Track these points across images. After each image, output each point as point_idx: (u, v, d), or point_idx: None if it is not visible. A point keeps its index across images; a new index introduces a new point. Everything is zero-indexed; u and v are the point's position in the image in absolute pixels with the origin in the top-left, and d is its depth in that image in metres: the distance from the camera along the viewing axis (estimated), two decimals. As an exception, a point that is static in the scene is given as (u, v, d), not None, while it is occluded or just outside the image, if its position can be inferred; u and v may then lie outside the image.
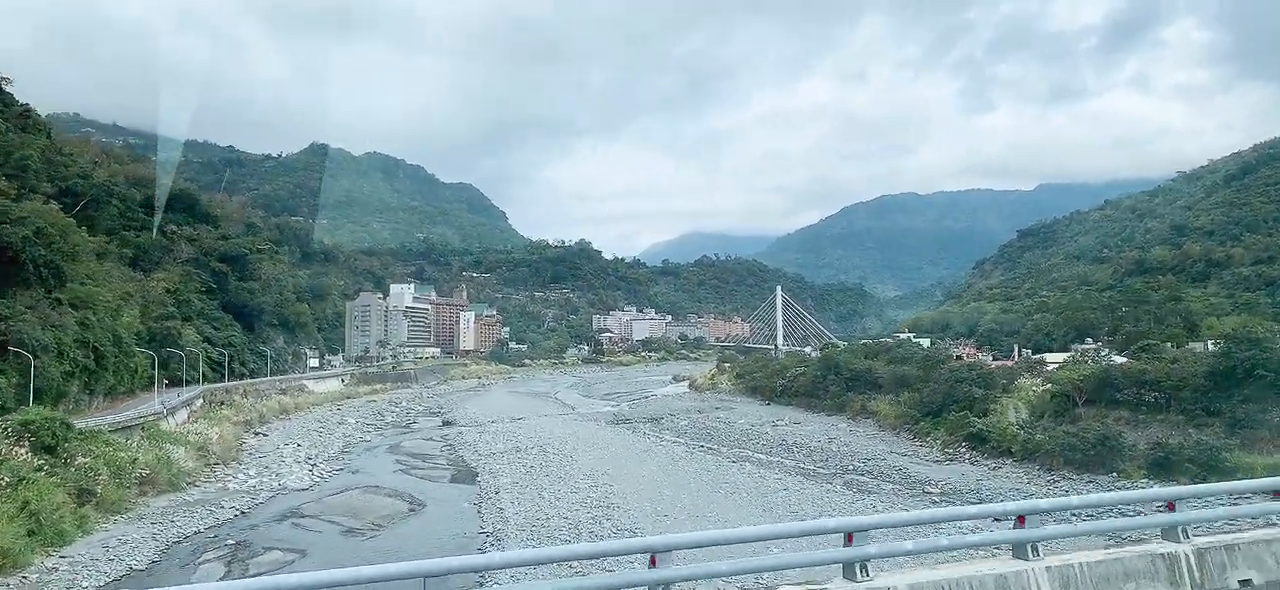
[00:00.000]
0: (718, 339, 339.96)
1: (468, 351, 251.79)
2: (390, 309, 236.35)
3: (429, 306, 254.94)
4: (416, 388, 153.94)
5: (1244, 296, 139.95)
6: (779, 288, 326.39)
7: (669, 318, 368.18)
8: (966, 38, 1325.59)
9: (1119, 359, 67.93)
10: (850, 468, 62.11)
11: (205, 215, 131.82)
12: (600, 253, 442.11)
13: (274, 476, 55.99)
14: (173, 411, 64.39)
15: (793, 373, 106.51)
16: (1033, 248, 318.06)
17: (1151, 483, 49.49)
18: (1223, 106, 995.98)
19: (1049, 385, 65.69)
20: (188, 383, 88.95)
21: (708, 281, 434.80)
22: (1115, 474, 51.35)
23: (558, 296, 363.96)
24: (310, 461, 63.71)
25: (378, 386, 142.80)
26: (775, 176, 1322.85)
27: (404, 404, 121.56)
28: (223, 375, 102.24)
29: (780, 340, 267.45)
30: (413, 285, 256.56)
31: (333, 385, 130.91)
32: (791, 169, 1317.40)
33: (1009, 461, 59.42)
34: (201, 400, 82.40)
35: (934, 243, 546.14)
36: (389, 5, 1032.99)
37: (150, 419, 57.22)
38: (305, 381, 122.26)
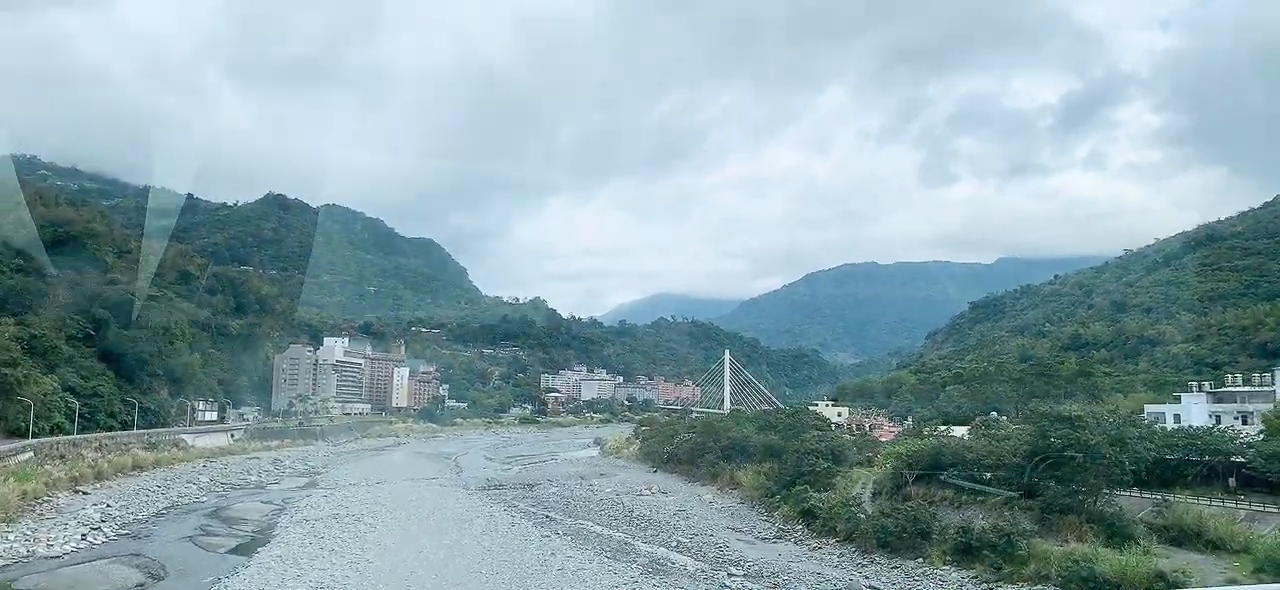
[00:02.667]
0: (667, 402, 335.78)
1: (400, 408, 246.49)
2: (319, 363, 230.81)
3: (362, 361, 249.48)
4: (319, 445, 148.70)
5: (1161, 374, 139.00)
6: (727, 352, 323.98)
7: (620, 379, 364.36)
8: (927, 112, 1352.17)
9: (959, 432, 65.04)
10: (673, 543, 58.56)
11: (93, 257, 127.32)
12: (556, 311, 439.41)
13: (29, 542, 51.53)
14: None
15: (679, 440, 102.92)
16: (984, 320, 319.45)
17: (952, 570, 46.34)
18: (1176, 187, 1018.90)
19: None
20: (36, 434, 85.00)
21: (664, 343, 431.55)
22: (921, 560, 48.08)
23: (507, 355, 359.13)
24: (99, 524, 59.25)
25: (273, 443, 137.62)
26: (742, 241, 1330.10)
27: (287, 462, 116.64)
28: (78, 427, 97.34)
29: (727, 404, 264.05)
30: (345, 339, 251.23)
31: (219, 441, 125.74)
32: (758, 234, 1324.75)
33: (832, 541, 56.08)
34: (30, 454, 77.57)
35: (894, 312, 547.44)
36: (356, 61, 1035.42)
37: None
38: (184, 437, 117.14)
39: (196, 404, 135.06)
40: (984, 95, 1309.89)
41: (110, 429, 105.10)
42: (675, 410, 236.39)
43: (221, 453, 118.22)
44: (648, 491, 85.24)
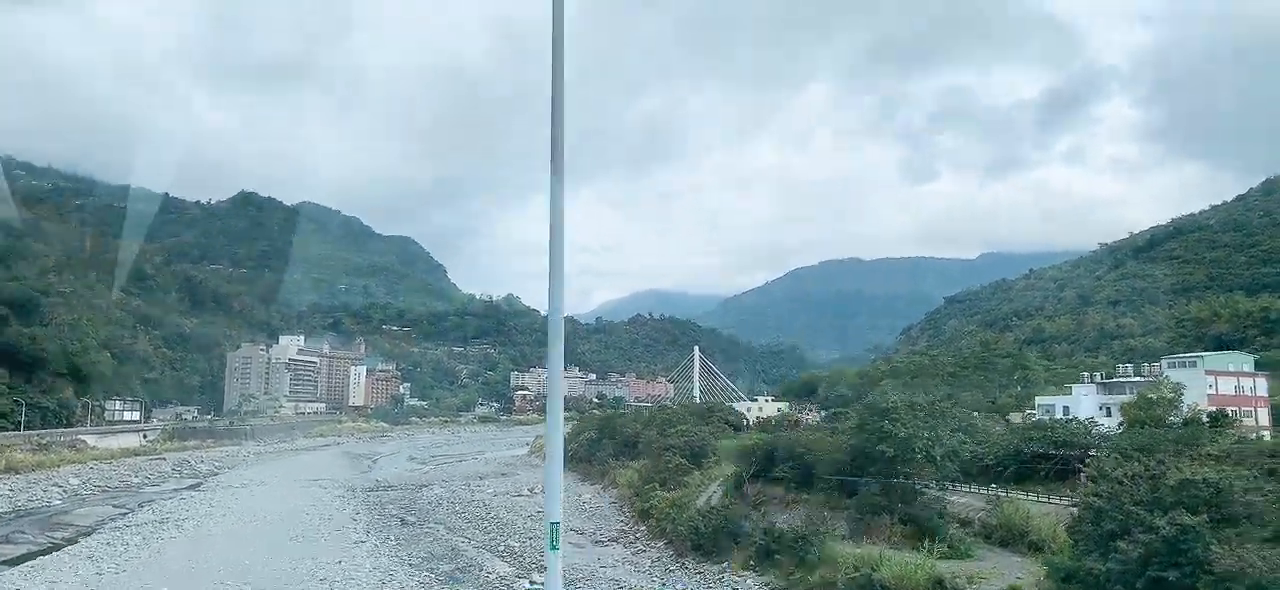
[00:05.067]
0: (638, 398, 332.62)
1: (357, 407, 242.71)
2: (272, 361, 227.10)
3: (317, 359, 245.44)
4: (247, 445, 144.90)
5: (1110, 366, 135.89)
6: (696, 349, 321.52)
7: (593, 376, 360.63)
8: (907, 109, 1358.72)
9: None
10: (502, 548, 55.22)
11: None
12: (534, 309, 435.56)
13: None
14: None
15: (582, 438, 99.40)
16: (957, 315, 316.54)
17: (751, 575, 42.81)
18: (1155, 181, 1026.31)
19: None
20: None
21: (641, 340, 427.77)
22: (726, 564, 44.57)
23: (478, 352, 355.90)
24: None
25: (192, 444, 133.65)
26: (727, 238, 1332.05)
27: (193, 464, 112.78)
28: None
29: (697, 399, 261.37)
30: (300, 338, 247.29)
31: (129, 441, 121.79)
32: (742, 231, 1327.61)
33: (661, 543, 52.60)
34: None
35: (876, 307, 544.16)
36: (330, 59, 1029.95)
37: None
38: (85, 437, 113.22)
39: (111, 403, 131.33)
40: (964, 91, 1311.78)
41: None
42: (644, 406, 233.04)
43: (126, 454, 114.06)
44: (528, 492, 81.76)
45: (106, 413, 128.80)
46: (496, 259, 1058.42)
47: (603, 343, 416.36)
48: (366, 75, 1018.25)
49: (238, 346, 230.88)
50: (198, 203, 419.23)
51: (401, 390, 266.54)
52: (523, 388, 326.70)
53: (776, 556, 41.67)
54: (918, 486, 43.77)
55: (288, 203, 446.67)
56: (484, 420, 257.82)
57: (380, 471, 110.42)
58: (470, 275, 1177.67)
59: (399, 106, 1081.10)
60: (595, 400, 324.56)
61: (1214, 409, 53.55)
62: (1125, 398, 66.97)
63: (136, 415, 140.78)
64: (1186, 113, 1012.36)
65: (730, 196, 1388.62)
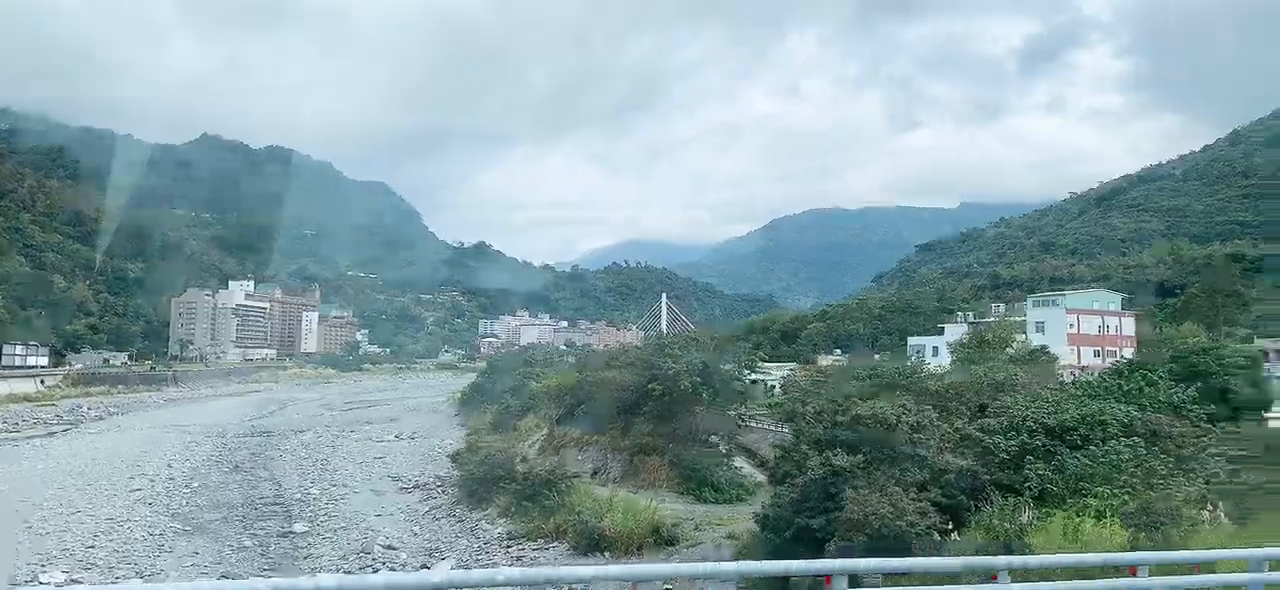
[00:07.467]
0: (606, 346, 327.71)
1: (310, 353, 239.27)
2: (219, 307, 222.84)
3: (267, 305, 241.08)
4: (165, 391, 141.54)
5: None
6: (664, 296, 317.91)
7: (563, 323, 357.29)
8: (894, 59, 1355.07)
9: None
10: (295, 496, 51.50)
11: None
12: (511, 257, 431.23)
13: None
14: None
15: (475, 384, 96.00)
16: (928, 262, 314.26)
17: (503, 522, 39.17)
18: (1135, 132, 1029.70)
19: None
20: None
21: (617, 288, 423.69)
22: (484, 512, 41.00)
23: (446, 300, 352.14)
24: None
25: (97, 390, 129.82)
26: (712, 187, 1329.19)
27: (83, 410, 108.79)
28: None
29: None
30: (249, 283, 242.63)
31: (22, 386, 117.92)
32: (727, 181, 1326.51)
33: (456, 490, 48.99)
34: None
35: (858, 257, 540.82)
36: (300, 1, 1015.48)
37: None
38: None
39: (11, 347, 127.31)
40: (950, 41, 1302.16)
41: None
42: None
43: (14, 400, 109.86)
44: (394, 438, 78.52)
45: (3, 357, 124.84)
46: (472, 210, 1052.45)
47: (578, 290, 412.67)
48: (341, 18, 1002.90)
49: (183, 292, 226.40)
50: (158, 143, 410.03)
51: (358, 337, 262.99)
52: (492, 335, 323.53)
53: (527, 503, 38.03)
54: (701, 425, 40.11)
55: (254, 146, 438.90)
56: (443, 367, 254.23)
57: (279, 418, 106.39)
58: (445, 224, 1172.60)
59: (375, 52, 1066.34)
60: (563, 348, 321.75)
61: (1050, 346, 49.84)
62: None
63: (45, 361, 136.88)
64: (1166, 64, 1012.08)
65: (718, 146, 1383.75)
